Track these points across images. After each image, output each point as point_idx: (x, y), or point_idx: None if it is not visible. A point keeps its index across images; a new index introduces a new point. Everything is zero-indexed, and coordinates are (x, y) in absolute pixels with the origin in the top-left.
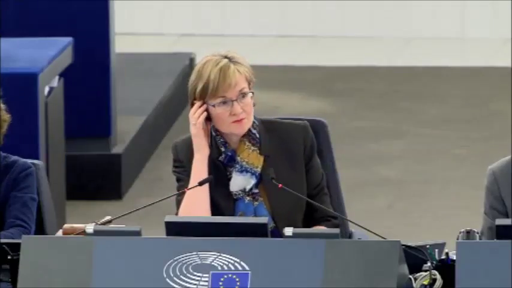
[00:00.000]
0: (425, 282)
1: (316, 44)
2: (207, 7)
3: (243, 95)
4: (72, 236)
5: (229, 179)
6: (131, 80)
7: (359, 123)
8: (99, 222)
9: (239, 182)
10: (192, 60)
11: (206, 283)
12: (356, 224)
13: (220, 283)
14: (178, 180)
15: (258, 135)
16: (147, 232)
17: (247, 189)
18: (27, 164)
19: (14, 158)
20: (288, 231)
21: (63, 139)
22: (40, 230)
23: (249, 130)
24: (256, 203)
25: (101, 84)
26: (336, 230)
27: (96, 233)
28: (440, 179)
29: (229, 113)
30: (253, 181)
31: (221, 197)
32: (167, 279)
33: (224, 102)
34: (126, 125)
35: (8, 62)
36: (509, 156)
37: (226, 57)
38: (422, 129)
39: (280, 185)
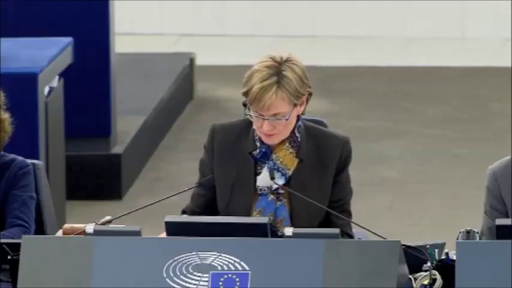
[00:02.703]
0: (425, 282)
1: (316, 44)
2: (207, 7)
3: (277, 117)
4: (72, 236)
5: (257, 174)
6: (131, 80)
7: (359, 123)
8: (99, 222)
9: (267, 179)
10: (192, 60)
11: (206, 283)
12: (356, 224)
13: (220, 283)
14: (200, 165)
15: (299, 139)
16: (147, 232)
17: (273, 188)
18: (25, 162)
19: (12, 156)
20: (288, 231)
21: (63, 139)
22: (40, 230)
23: (293, 132)
24: (279, 203)
25: (101, 84)
26: (336, 230)
27: (96, 233)
28: (440, 179)
29: (260, 125)
30: (281, 181)
31: (243, 191)
32: (167, 279)
33: (257, 116)
34: (126, 125)
35: (8, 62)
36: (509, 156)
37: (278, 73)
38: (422, 129)
39: (281, 185)
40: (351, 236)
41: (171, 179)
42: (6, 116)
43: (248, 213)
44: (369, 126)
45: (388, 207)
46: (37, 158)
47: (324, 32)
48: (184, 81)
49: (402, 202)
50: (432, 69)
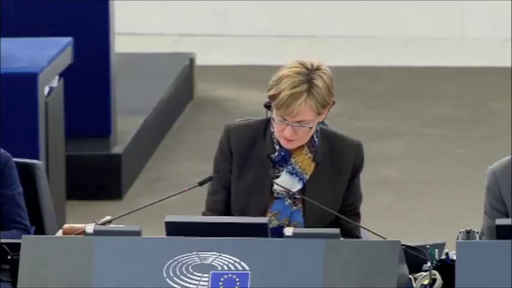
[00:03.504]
0: (425, 282)
1: (316, 44)
2: (207, 7)
3: (301, 124)
4: (72, 236)
5: (274, 178)
6: (131, 80)
7: (359, 123)
8: (99, 222)
9: (285, 183)
10: (192, 60)
11: (206, 283)
12: (356, 224)
13: (220, 283)
14: (214, 166)
15: (317, 144)
16: (147, 232)
17: (291, 192)
18: (6, 155)
19: None
20: (288, 231)
21: (63, 139)
22: (40, 230)
23: (312, 137)
24: (295, 208)
25: (101, 84)
26: (336, 230)
27: (96, 233)
28: (440, 179)
29: (282, 129)
30: (299, 186)
31: (260, 193)
32: (167, 279)
33: (280, 120)
34: (126, 125)
35: (8, 62)
36: (509, 156)
37: (308, 80)
38: (422, 129)
39: (279, 185)
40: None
41: (171, 179)
42: None
43: (263, 215)
44: (369, 126)
45: (388, 207)
46: (37, 158)
47: (324, 32)
48: (184, 81)
49: (402, 202)
50: (432, 69)
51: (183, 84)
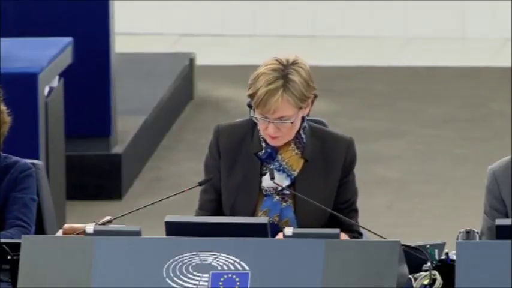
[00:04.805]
0: (425, 282)
1: (316, 44)
2: (207, 7)
3: (282, 120)
4: (72, 236)
5: (262, 175)
6: (131, 80)
7: (359, 123)
8: (99, 222)
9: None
10: (192, 60)
11: (206, 283)
12: (356, 224)
13: (220, 283)
14: (206, 167)
15: (304, 140)
16: (147, 232)
17: (278, 189)
18: (27, 164)
19: (15, 158)
20: (288, 231)
21: (63, 139)
22: (40, 230)
23: (298, 133)
24: (284, 204)
25: (101, 84)
26: (336, 230)
27: (96, 233)
28: (440, 179)
29: (265, 127)
30: (286, 182)
31: (248, 191)
32: (167, 279)
33: (262, 119)
34: (126, 125)
35: (8, 62)
36: (509, 156)
37: (283, 76)
38: (422, 129)
39: (280, 184)
40: (361, 234)
41: (171, 179)
42: (3, 107)
43: (253, 214)
44: (369, 126)
45: (388, 207)
46: (37, 158)
47: (324, 32)
48: (184, 81)
49: (402, 202)
50: (432, 69)
51: (183, 84)
